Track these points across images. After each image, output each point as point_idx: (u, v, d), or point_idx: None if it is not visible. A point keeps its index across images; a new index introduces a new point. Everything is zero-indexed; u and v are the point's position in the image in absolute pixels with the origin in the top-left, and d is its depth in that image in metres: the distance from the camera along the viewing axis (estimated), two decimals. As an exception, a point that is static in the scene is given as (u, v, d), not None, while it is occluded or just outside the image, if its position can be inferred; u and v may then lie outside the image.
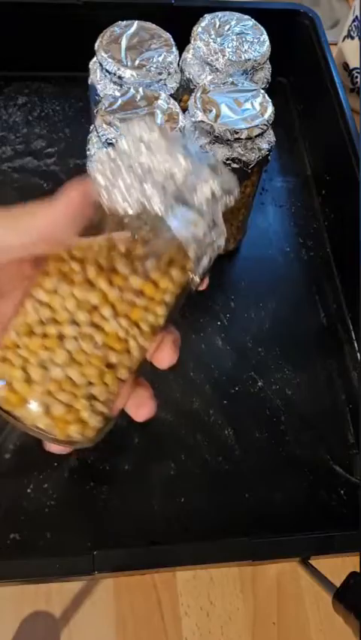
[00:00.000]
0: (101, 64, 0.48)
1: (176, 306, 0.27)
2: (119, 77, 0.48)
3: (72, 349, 0.25)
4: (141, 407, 0.28)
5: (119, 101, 0.44)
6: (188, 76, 0.51)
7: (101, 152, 0.26)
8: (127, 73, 0.47)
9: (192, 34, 0.51)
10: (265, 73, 0.52)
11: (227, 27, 0.51)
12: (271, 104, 0.46)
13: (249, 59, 0.49)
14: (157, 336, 0.27)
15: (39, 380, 0.25)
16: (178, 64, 0.51)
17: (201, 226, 0.25)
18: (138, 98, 0.45)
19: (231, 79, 0.47)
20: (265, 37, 0.51)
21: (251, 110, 0.45)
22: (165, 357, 0.27)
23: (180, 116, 0.44)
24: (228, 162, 0.45)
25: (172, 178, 0.24)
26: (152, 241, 0.25)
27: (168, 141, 0.24)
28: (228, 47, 0.49)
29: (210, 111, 0.44)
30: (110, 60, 0.48)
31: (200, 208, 0.25)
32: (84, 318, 0.25)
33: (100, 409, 0.26)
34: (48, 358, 0.25)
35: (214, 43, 0.49)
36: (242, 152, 0.45)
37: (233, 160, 0.45)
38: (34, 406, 0.25)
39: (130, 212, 0.24)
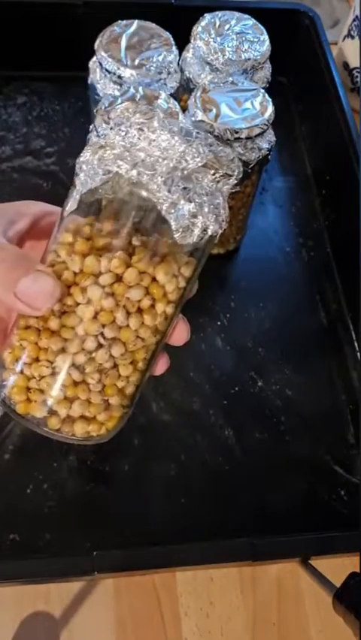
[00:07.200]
0: (100, 64, 0.48)
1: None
2: (119, 77, 0.47)
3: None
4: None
5: (119, 101, 0.44)
6: (188, 75, 0.51)
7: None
8: (127, 73, 0.47)
9: (192, 34, 0.51)
10: (265, 73, 0.52)
11: (227, 26, 0.51)
12: (271, 103, 0.45)
13: (249, 59, 0.49)
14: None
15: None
16: (178, 64, 0.51)
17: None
18: (138, 97, 0.44)
19: (231, 78, 0.47)
20: (265, 36, 0.51)
21: (251, 109, 0.45)
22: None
23: (180, 116, 0.44)
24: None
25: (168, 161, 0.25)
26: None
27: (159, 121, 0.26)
28: (228, 47, 0.49)
29: (210, 111, 0.44)
30: (109, 59, 0.47)
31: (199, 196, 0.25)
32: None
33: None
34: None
35: (214, 42, 0.49)
36: (242, 152, 0.45)
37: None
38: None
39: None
